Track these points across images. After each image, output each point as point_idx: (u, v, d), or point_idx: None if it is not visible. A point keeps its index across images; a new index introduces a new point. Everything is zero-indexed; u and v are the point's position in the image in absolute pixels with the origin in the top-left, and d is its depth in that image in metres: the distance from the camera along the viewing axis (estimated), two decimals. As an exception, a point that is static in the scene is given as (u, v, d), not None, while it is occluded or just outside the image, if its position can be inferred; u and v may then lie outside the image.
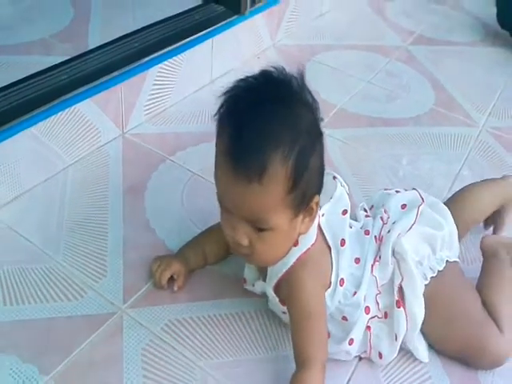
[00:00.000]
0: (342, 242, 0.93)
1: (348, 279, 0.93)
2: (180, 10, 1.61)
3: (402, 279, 0.94)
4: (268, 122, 0.79)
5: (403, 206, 1.01)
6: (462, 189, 1.17)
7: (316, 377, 0.87)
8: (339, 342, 0.93)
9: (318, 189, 0.87)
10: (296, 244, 0.90)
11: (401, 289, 0.94)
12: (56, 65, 1.30)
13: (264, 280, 0.95)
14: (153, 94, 1.42)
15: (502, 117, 1.63)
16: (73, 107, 1.25)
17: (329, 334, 0.93)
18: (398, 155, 1.42)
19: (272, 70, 0.82)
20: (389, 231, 0.97)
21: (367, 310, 0.94)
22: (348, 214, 0.96)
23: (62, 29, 1.59)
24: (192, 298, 1.02)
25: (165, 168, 1.30)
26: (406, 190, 1.06)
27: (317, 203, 0.87)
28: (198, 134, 1.39)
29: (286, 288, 0.91)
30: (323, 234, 0.93)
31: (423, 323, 0.94)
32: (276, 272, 0.91)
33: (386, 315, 0.95)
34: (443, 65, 1.84)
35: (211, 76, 1.60)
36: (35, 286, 1.01)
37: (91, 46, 1.41)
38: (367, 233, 0.99)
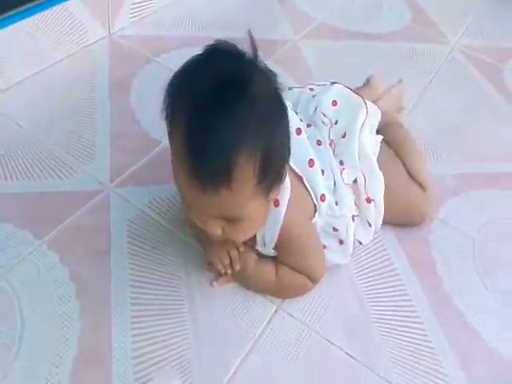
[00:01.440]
0: (311, 163, 0.92)
1: (326, 193, 0.94)
2: None
3: (365, 178, 0.99)
4: (225, 121, 0.71)
5: (334, 103, 1.02)
6: None
7: (309, 288, 0.95)
8: (335, 252, 0.98)
9: (288, 155, 0.82)
10: (277, 204, 0.87)
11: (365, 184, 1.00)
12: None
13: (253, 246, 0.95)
14: (137, -1, 1.47)
15: (474, 37, 1.70)
16: (62, 4, 1.29)
17: (324, 246, 0.97)
18: (369, 66, 1.49)
19: (222, 44, 0.76)
20: (344, 135, 0.99)
21: (353, 218, 0.98)
22: (303, 132, 0.93)
23: None
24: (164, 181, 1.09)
25: (149, 67, 1.36)
26: (316, 84, 1.08)
27: (271, 201, 0.85)
28: (181, 38, 1.45)
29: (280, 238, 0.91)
30: (290, 165, 0.88)
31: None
32: (270, 238, 0.90)
33: (368, 200, 1.00)
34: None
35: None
36: (27, 165, 1.09)
37: None
38: (319, 143, 0.98)
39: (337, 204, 0.96)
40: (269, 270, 0.94)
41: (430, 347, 0.93)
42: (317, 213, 0.93)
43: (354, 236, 1.00)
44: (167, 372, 0.84)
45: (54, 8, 1.29)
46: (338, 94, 1.04)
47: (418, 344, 0.93)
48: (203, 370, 0.85)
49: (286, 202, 0.87)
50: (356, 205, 0.99)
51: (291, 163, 0.88)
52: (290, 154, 0.82)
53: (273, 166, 0.77)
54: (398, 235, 1.09)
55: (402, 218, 1.09)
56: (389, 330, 0.94)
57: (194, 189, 0.74)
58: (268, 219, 0.87)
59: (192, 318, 0.91)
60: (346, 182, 0.97)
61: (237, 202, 0.77)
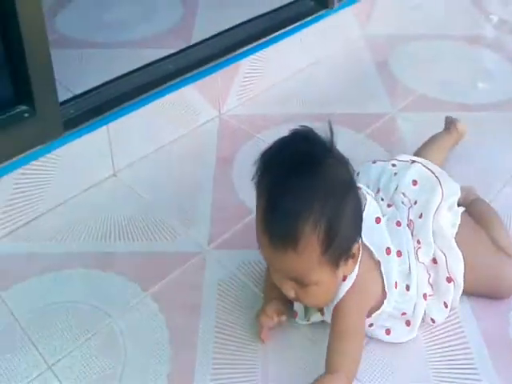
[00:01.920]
0: (388, 251, 0.99)
1: (398, 278, 1.00)
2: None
3: (446, 257, 1.03)
4: (298, 193, 0.85)
5: (414, 183, 1.09)
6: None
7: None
8: (402, 333, 1.04)
9: (357, 235, 0.93)
10: (344, 279, 0.96)
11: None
12: (164, 57, 1.59)
13: (321, 313, 1.04)
14: (246, 81, 1.68)
15: None
16: (178, 91, 1.53)
17: (388, 331, 1.03)
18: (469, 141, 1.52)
19: (303, 129, 0.91)
20: (421, 215, 1.05)
21: (425, 296, 1.03)
22: (383, 221, 1.02)
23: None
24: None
25: (252, 143, 1.55)
26: (397, 159, 1.16)
27: (358, 248, 0.94)
28: (282, 116, 1.64)
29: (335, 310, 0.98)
30: (369, 249, 0.99)
31: None
32: (330, 307, 0.99)
33: (448, 280, 1.04)
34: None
35: (298, 66, 1.83)
36: (143, 229, 1.31)
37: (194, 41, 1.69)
38: (399, 224, 1.04)
39: (408, 289, 1.01)
40: None
41: None
42: (386, 300, 0.99)
43: (425, 313, 1.05)
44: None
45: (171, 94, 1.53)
46: (418, 174, 1.11)
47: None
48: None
49: (351, 283, 0.96)
50: (431, 284, 1.04)
51: (370, 245, 0.98)
52: (359, 233, 0.93)
53: (338, 239, 0.87)
54: (474, 309, 1.11)
55: (487, 290, 1.11)
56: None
57: (266, 246, 0.89)
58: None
59: (263, 373, 1.03)
60: (420, 260, 1.03)
61: (303, 266, 0.88)
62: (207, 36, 1.69)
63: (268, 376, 1.03)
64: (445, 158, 1.40)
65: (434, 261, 1.05)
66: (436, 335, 1.08)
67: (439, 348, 1.06)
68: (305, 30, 1.82)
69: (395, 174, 1.13)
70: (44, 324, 1.11)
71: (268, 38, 1.72)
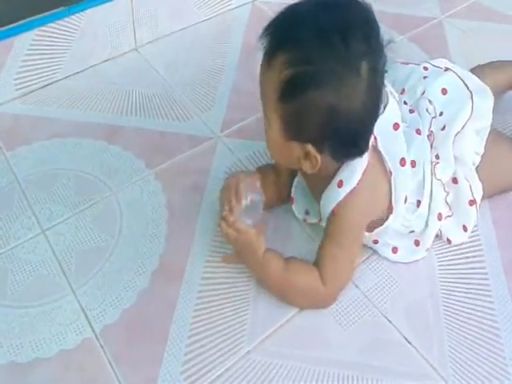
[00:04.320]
0: (403, 162, 0.89)
1: (410, 192, 0.92)
2: None
3: (469, 182, 0.97)
4: (309, 23, 0.76)
5: (444, 91, 0.98)
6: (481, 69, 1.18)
7: (321, 296, 0.90)
8: (409, 252, 0.98)
9: (322, 136, 0.81)
10: (340, 185, 0.87)
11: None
12: None
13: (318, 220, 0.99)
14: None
15: None
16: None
17: (395, 250, 0.97)
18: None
19: None
20: (444, 128, 0.95)
21: (439, 216, 0.95)
22: (401, 128, 0.91)
23: None
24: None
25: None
26: (431, 64, 1.03)
27: (314, 155, 0.82)
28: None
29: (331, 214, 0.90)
30: (382, 156, 0.88)
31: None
32: (326, 209, 0.90)
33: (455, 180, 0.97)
34: None
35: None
36: (156, 106, 1.26)
37: None
38: (419, 132, 0.94)
39: (418, 205, 0.93)
40: (275, 262, 0.90)
41: (502, 357, 0.89)
42: (391, 215, 0.91)
43: (442, 233, 0.99)
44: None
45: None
46: (450, 83, 0.99)
47: (490, 351, 0.90)
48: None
49: (349, 190, 0.86)
50: (448, 203, 0.97)
51: (384, 153, 0.88)
52: (324, 138, 0.81)
53: (293, 102, 0.78)
54: (499, 238, 1.04)
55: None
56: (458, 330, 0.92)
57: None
58: (327, 194, 0.89)
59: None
60: (437, 177, 0.94)
61: (266, 87, 0.81)
62: None
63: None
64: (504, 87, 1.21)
65: (455, 180, 0.98)
66: (451, 255, 1.02)
67: (453, 269, 1.00)
68: None
69: (425, 77, 1.01)
70: (43, 187, 1.09)
71: None
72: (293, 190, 1.02)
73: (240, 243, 0.90)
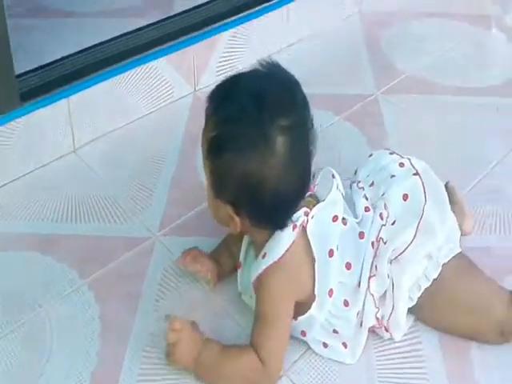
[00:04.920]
0: (331, 252, 0.88)
1: (338, 288, 0.90)
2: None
3: (392, 310, 0.93)
4: (244, 87, 0.84)
5: (405, 197, 0.94)
6: None
7: (260, 378, 0.88)
8: (337, 351, 0.94)
9: (236, 200, 0.85)
10: (264, 256, 0.88)
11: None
12: (137, 28, 1.49)
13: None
14: (224, 57, 1.57)
15: None
16: (150, 64, 1.43)
17: (325, 345, 0.94)
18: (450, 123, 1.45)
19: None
20: (386, 242, 0.91)
21: (371, 329, 0.95)
22: (339, 221, 0.91)
23: None
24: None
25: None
26: (411, 166, 0.99)
27: (231, 216, 0.86)
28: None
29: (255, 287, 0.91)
30: (309, 242, 0.89)
31: (427, 319, 0.98)
32: (250, 280, 0.92)
33: (385, 329, 0.95)
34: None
35: (283, 43, 1.71)
36: (92, 209, 1.22)
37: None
38: (362, 236, 0.92)
39: (346, 305, 0.91)
40: (210, 352, 0.89)
41: None
42: (314, 303, 0.89)
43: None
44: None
45: (143, 67, 1.43)
46: (413, 190, 0.95)
47: None
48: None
49: (271, 262, 0.86)
50: (377, 318, 0.93)
51: (312, 239, 0.88)
52: (244, 202, 0.85)
53: (214, 162, 0.85)
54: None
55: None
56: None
57: None
58: (253, 265, 0.91)
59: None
60: (371, 291, 0.91)
61: (202, 149, 0.87)
62: (188, 7, 1.59)
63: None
64: None
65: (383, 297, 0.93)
66: (393, 359, 0.97)
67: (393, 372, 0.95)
68: (292, 5, 1.70)
69: (392, 176, 0.99)
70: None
71: (250, 11, 1.61)
72: (241, 254, 1.00)
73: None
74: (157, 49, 1.47)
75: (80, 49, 1.42)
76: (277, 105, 0.81)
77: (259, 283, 0.89)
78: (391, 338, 0.97)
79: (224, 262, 1.05)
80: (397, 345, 0.98)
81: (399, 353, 0.97)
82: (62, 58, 1.40)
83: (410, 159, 1.01)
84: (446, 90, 1.56)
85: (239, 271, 1.00)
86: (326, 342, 0.94)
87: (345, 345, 0.94)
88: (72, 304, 1.05)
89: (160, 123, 1.45)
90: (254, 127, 0.81)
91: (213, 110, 0.85)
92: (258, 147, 0.80)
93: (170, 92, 1.51)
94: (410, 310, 0.96)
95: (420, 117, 1.48)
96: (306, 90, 0.87)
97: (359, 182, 1.03)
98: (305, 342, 0.97)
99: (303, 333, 0.94)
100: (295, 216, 0.88)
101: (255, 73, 0.85)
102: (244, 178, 0.82)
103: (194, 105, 1.51)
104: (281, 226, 0.87)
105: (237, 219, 0.87)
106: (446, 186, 1.10)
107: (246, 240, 0.99)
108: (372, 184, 1.01)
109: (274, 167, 0.81)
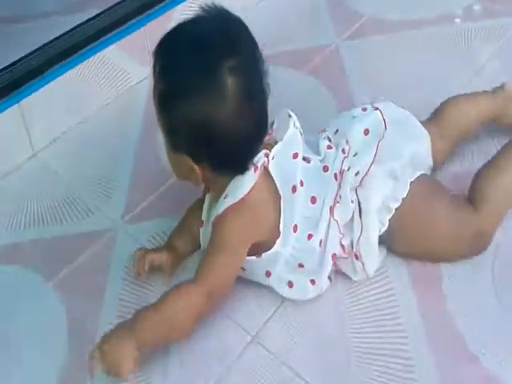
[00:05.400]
0: (294, 188, 0.89)
1: (302, 223, 0.91)
2: None
3: (361, 233, 0.93)
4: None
5: (366, 132, 0.96)
6: (446, 101, 1.12)
7: (192, 296, 0.87)
8: (303, 288, 0.94)
9: (193, 149, 0.85)
10: (225, 197, 0.88)
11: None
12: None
13: None
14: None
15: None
16: (100, 54, 1.38)
17: (291, 284, 0.93)
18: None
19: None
20: (349, 168, 0.94)
21: (333, 257, 0.93)
22: (299, 157, 0.92)
23: None
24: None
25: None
26: (373, 107, 1.01)
27: (191, 166, 0.86)
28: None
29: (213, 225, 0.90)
30: (273, 180, 0.89)
31: (398, 245, 0.97)
32: (211, 218, 0.92)
33: (356, 256, 0.94)
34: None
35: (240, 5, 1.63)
36: (54, 210, 1.19)
37: None
38: (326, 169, 0.94)
39: (309, 238, 0.91)
40: (144, 314, 0.87)
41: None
42: (278, 239, 0.89)
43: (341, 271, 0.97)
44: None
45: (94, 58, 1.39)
46: (373, 124, 0.97)
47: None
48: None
49: (232, 202, 0.86)
50: (342, 245, 0.94)
51: (275, 176, 0.88)
52: (199, 153, 0.84)
53: (162, 108, 0.84)
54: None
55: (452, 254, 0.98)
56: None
57: None
58: (215, 207, 0.90)
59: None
60: (335, 217, 0.92)
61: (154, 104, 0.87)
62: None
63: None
64: (469, 128, 1.12)
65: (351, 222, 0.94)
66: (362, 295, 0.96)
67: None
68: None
69: (354, 117, 1.01)
70: None
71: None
72: (204, 213, 0.97)
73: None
74: (104, 38, 1.42)
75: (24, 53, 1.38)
76: (221, 46, 0.80)
77: (218, 221, 0.88)
78: (363, 271, 0.96)
79: (184, 242, 1.03)
80: (367, 284, 0.97)
81: (370, 290, 0.96)
82: (9, 65, 1.36)
83: (372, 104, 1.02)
84: (405, 26, 1.49)
85: (202, 229, 0.97)
86: (292, 279, 0.92)
87: (313, 282, 0.92)
88: (37, 309, 1.02)
89: (119, 111, 1.40)
90: (199, 72, 0.80)
91: (157, 63, 0.84)
92: (207, 91, 0.80)
93: (127, 78, 1.46)
94: (382, 241, 0.95)
95: (382, 58, 1.42)
96: (267, 51, 0.86)
97: (324, 130, 1.03)
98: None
99: (268, 273, 0.93)
100: (256, 159, 0.87)
101: (196, 19, 0.84)
102: (197, 125, 0.81)
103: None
104: (242, 169, 0.87)
105: (197, 168, 0.86)
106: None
107: (207, 199, 0.97)
108: (337, 131, 1.01)
109: (226, 109, 0.80)
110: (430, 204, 0.96)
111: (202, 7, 0.83)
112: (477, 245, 0.97)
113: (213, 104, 0.80)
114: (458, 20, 1.46)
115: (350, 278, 0.97)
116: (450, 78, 1.32)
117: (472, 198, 0.98)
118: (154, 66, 0.85)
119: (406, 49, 1.43)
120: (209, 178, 0.90)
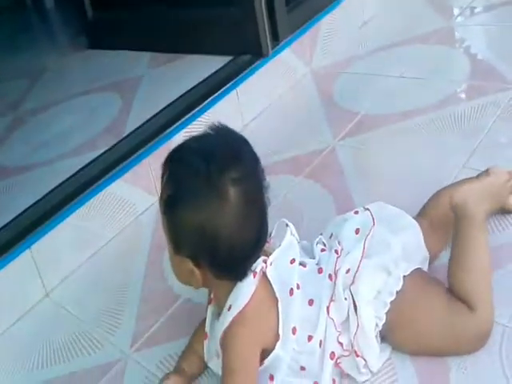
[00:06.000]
0: (291, 291, 0.91)
1: (301, 325, 0.92)
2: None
3: (358, 327, 0.92)
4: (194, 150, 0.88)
5: (357, 231, 1.00)
6: (434, 194, 1.13)
7: None
8: None
9: (195, 253, 0.88)
10: (229, 308, 0.89)
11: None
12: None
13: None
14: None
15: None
16: (105, 190, 1.44)
17: None
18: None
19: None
20: (347, 271, 0.95)
21: (332, 355, 0.92)
22: (296, 263, 0.95)
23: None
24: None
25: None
26: (364, 208, 1.04)
27: (192, 269, 0.88)
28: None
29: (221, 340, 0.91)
30: (270, 284, 0.91)
31: (400, 344, 0.96)
32: (217, 334, 0.92)
33: (356, 354, 0.93)
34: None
35: (240, 124, 1.70)
36: (67, 347, 1.19)
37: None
38: (320, 271, 0.96)
39: (310, 340, 0.91)
40: None
41: None
42: (278, 343, 0.89)
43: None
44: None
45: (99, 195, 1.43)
46: (363, 222, 1.01)
47: None
48: None
49: (236, 313, 0.87)
50: (340, 343, 0.93)
51: (273, 281, 0.91)
52: (200, 254, 0.87)
53: (168, 217, 0.88)
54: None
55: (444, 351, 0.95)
56: None
57: None
58: (220, 321, 0.90)
59: None
60: (330, 315, 0.93)
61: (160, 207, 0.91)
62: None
63: None
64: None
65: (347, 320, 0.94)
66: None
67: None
68: (242, 86, 1.71)
69: (346, 220, 1.05)
70: None
71: (203, 104, 1.64)
72: (207, 325, 0.99)
73: None
74: (108, 175, 1.48)
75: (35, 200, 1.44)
76: (225, 159, 0.85)
77: (226, 337, 0.89)
78: (367, 369, 0.93)
79: (191, 363, 1.03)
80: (372, 380, 0.94)
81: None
82: (20, 214, 1.42)
83: (364, 206, 1.05)
84: (398, 118, 1.52)
85: (205, 342, 0.99)
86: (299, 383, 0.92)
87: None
88: None
89: (127, 241, 1.43)
90: (204, 181, 0.83)
91: (165, 172, 0.89)
92: (210, 199, 0.84)
93: (133, 208, 1.50)
94: (384, 338, 0.95)
95: (378, 152, 1.44)
96: (268, 160, 0.93)
97: (321, 235, 1.06)
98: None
99: (271, 377, 0.92)
100: (254, 265, 0.90)
101: (203, 135, 0.90)
102: (199, 231, 0.84)
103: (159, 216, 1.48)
104: (241, 276, 0.89)
105: (197, 272, 0.88)
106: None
107: (210, 310, 0.99)
108: (331, 236, 1.05)
109: (228, 217, 0.84)
110: (424, 302, 0.95)
111: (210, 126, 0.90)
112: (479, 343, 0.94)
113: (215, 212, 0.84)
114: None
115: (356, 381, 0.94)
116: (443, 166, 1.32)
117: (462, 298, 0.95)
118: (163, 175, 0.90)
119: (399, 141, 1.46)
120: (209, 282, 0.92)
